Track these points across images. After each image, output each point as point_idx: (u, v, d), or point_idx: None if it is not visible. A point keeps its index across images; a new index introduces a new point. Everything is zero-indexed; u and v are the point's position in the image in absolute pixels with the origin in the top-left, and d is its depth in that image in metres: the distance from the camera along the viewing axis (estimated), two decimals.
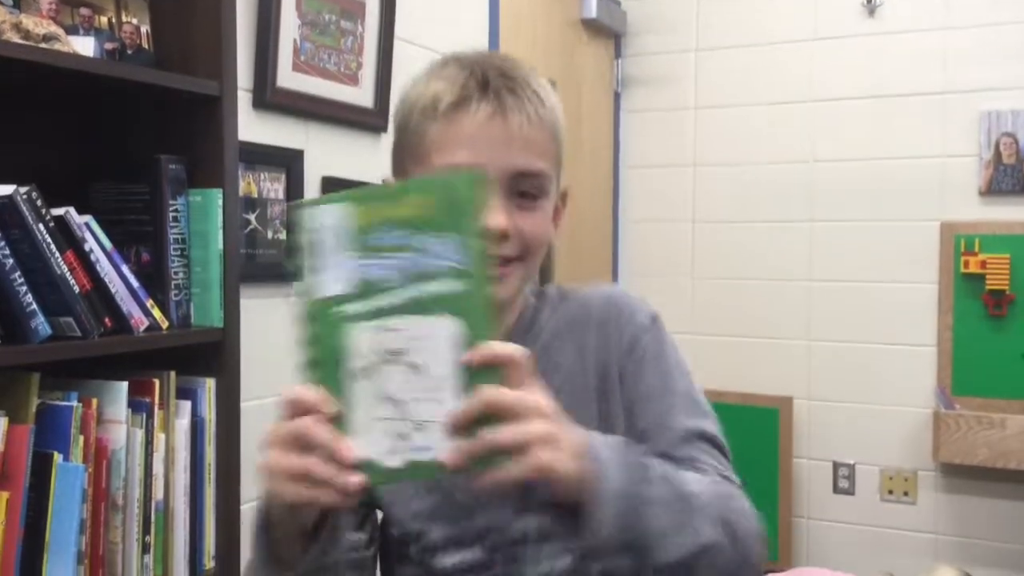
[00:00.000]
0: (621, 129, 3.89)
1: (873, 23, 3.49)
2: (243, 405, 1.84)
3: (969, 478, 3.36)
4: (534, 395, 0.71)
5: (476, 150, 0.90)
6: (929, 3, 3.41)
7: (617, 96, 3.86)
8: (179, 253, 1.53)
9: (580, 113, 3.60)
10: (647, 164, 3.86)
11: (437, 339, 0.71)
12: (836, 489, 3.57)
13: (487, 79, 0.91)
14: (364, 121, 2.41)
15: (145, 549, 1.41)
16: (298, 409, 0.75)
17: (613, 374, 0.95)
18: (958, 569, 2.85)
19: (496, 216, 0.87)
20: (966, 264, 3.33)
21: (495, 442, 0.68)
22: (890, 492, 3.49)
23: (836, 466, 3.57)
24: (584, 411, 0.89)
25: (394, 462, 0.72)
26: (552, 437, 0.70)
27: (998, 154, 3.33)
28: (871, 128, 3.50)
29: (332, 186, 2.29)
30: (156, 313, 1.47)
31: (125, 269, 1.44)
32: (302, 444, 0.73)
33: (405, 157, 0.99)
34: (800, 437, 3.60)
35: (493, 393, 0.69)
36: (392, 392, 0.72)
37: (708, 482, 0.84)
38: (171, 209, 1.52)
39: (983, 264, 3.30)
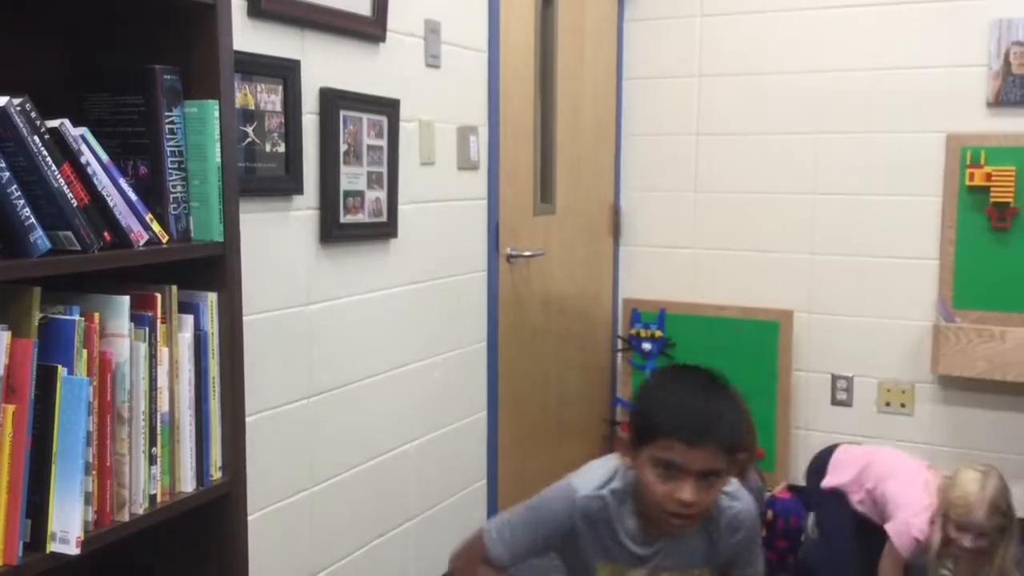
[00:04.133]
0: (624, 39, 3.81)
1: None
2: (246, 319, 1.84)
3: (967, 390, 3.39)
4: None
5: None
6: None
7: (621, 4, 3.77)
8: (177, 166, 1.51)
9: (582, 22, 3.52)
10: (650, 75, 3.79)
11: None
12: (834, 401, 3.61)
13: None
14: (361, 30, 2.36)
15: (152, 460, 1.43)
16: None
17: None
18: (980, 470, 2.71)
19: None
20: (971, 176, 3.30)
21: None
22: (887, 404, 3.53)
23: (834, 378, 3.61)
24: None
25: None
26: None
27: (1008, 64, 3.26)
28: (880, 37, 3.43)
29: (331, 97, 2.26)
30: (155, 227, 1.45)
31: (123, 182, 1.42)
32: None
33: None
34: (800, 350, 3.62)
35: None
36: None
37: None
38: (167, 121, 1.49)
39: (988, 176, 3.27)
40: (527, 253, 3.15)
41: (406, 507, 2.68)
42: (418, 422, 2.71)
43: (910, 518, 2.66)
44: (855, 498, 2.88)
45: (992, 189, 3.27)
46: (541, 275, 3.30)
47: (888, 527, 2.69)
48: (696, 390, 1.59)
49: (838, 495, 2.91)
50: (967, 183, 3.31)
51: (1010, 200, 3.25)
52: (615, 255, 3.87)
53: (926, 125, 3.38)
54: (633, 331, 3.82)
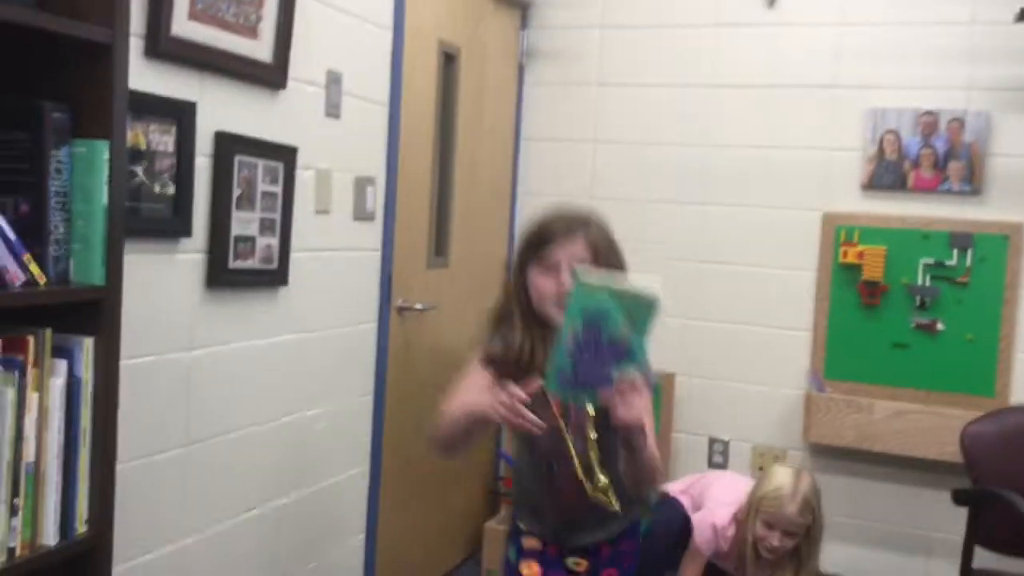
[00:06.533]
0: (524, 101, 3.89)
1: (772, 14, 3.58)
2: (124, 363, 1.78)
3: (835, 458, 3.53)
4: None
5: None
6: None
7: (521, 68, 3.86)
8: (60, 206, 1.46)
9: (483, 84, 3.58)
10: (547, 138, 3.88)
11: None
12: (711, 463, 3.70)
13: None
14: (261, 75, 2.34)
15: (13, 511, 1.36)
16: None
17: None
18: (792, 468, 2.80)
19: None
20: (844, 254, 3.47)
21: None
22: (760, 468, 3.63)
23: (712, 441, 3.70)
24: None
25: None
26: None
27: (881, 150, 3.47)
28: (764, 117, 3.60)
29: (226, 142, 2.23)
30: (33, 268, 1.40)
31: (1, 220, 1.37)
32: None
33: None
34: (680, 413, 3.71)
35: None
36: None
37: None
38: (53, 159, 1.45)
39: (861, 255, 3.45)
40: (419, 306, 3.15)
41: (281, 561, 2.60)
42: (299, 474, 2.65)
43: (714, 507, 2.69)
44: (684, 500, 2.92)
45: (864, 267, 3.44)
46: (432, 329, 3.30)
47: (694, 517, 2.72)
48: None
49: (669, 499, 2.94)
50: (841, 260, 3.48)
51: (879, 278, 3.43)
52: None
53: (805, 203, 3.55)
54: None
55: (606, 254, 1.90)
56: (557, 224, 1.89)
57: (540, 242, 1.88)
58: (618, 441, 1.75)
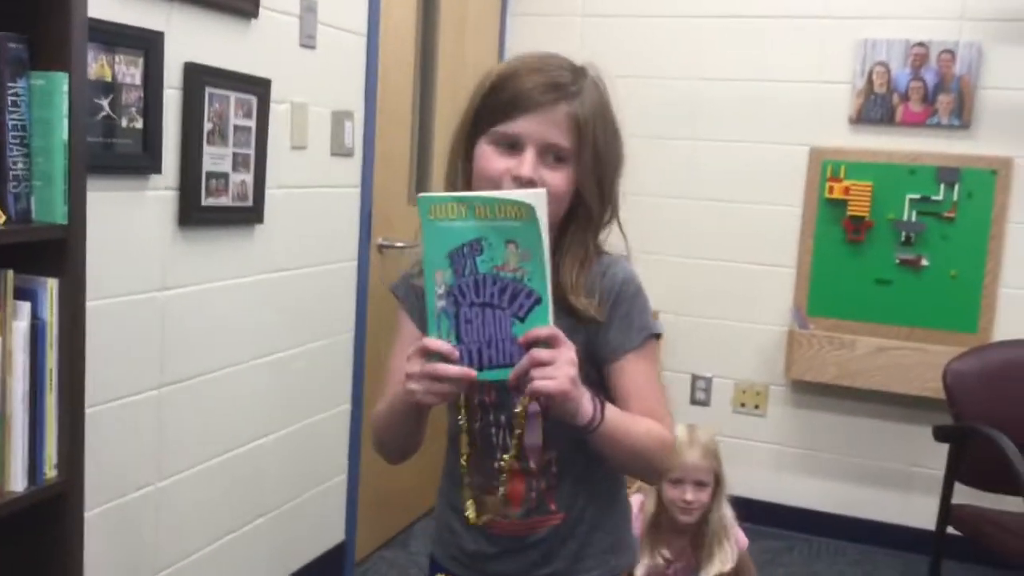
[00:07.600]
0: (507, 33, 3.79)
1: None
2: (93, 304, 1.74)
3: (817, 394, 3.54)
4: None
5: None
6: None
7: None
8: (19, 141, 1.40)
9: (465, 13, 3.48)
10: None
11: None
12: (693, 400, 3.70)
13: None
14: (232, 3, 2.25)
15: None
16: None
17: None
18: (686, 425, 2.55)
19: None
20: (830, 190, 3.43)
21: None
22: (742, 405, 3.64)
23: (694, 378, 3.70)
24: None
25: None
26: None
27: (870, 83, 3.40)
28: (753, 49, 3.52)
29: (196, 73, 2.15)
30: None
31: None
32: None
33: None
34: (664, 350, 3.70)
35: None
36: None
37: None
38: (10, 93, 1.38)
39: (847, 190, 3.40)
40: (400, 244, 3.09)
41: (260, 502, 2.59)
42: (278, 414, 2.63)
43: None
44: None
45: (849, 203, 3.41)
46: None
47: None
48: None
49: None
50: (826, 196, 3.44)
51: (865, 214, 3.40)
52: None
53: (791, 137, 3.49)
54: None
55: (595, 136, 1.30)
56: (531, 82, 1.26)
57: (501, 107, 1.26)
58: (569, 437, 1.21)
